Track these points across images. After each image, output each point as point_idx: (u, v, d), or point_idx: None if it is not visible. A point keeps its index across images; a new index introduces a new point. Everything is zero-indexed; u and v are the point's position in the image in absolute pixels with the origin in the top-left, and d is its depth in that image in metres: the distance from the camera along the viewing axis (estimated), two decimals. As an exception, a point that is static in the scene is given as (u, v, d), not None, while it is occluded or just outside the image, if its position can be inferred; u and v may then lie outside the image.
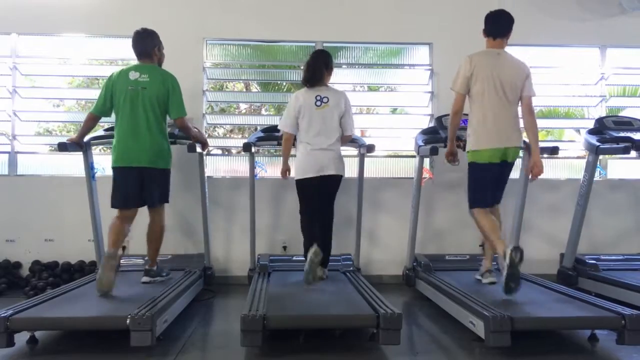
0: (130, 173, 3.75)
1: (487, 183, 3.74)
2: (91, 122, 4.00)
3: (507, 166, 3.76)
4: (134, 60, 3.98)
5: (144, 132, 3.73)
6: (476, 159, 3.73)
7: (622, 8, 5.18)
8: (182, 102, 3.89)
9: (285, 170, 4.15)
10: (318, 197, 3.99)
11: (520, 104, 3.76)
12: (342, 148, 4.18)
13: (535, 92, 3.76)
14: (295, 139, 4.07)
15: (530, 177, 3.85)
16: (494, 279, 3.88)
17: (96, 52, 5.21)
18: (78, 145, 4.08)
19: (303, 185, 3.99)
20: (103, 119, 4.01)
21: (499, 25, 3.78)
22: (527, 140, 3.94)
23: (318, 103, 3.94)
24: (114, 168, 3.81)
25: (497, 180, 3.78)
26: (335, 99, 3.96)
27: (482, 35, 3.84)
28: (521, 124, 3.79)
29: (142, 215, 3.94)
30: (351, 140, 4.41)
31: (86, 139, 4.19)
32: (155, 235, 3.97)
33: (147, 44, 3.89)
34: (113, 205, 3.81)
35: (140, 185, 3.76)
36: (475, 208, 3.75)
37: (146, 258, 4.08)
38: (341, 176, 4.03)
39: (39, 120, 5.84)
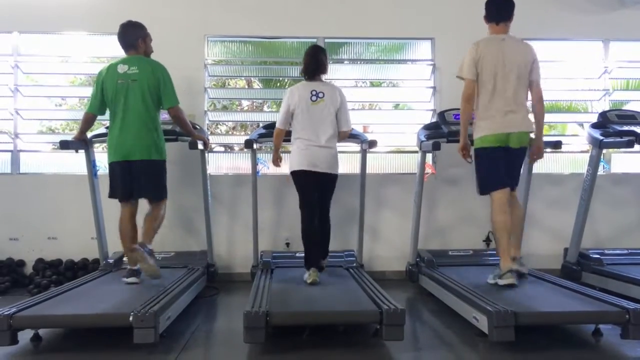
0: (124, 166, 3.75)
1: (496, 165, 3.68)
2: (89, 120, 4.02)
3: (515, 152, 3.69)
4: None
5: (137, 125, 3.73)
6: (483, 144, 3.71)
7: (623, 1, 5.15)
8: (174, 92, 3.87)
9: (277, 158, 4.11)
10: (314, 190, 3.97)
11: (529, 89, 3.73)
12: (344, 144, 4.17)
13: (540, 76, 3.76)
14: (290, 134, 4.05)
15: (529, 160, 3.86)
16: (513, 280, 3.58)
17: (98, 50, 5.19)
18: (82, 141, 4.09)
19: (299, 177, 3.96)
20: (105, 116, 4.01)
21: (500, 9, 3.76)
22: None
23: (313, 98, 3.91)
24: (109, 163, 3.83)
25: (506, 164, 3.71)
26: (330, 94, 3.94)
27: (484, 22, 3.81)
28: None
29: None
30: (353, 136, 4.40)
31: (88, 136, 4.20)
32: (155, 217, 3.84)
33: (129, 35, 3.87)
34: (109, 195, 3.84)
35: (136, 178, 3.77)
36: (493, 192, 3.67)
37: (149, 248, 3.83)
38: (335, 175, 3.99)
39: (42, 118, 5.84)
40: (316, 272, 3.83)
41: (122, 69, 3.76)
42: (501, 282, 3.60)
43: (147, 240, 3.83)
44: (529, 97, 3.79)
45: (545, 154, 5.04)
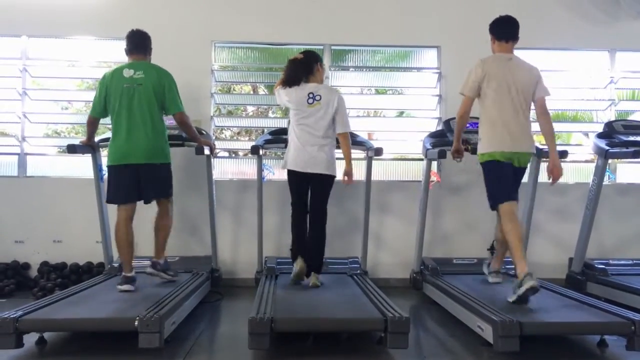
0: (126, 170, 3.75)
1: (504, 176, 3.66)
2: (93, 124, 4.04)
3: (517, 170, 3.72)
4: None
5: (141, 129, 3.73)
6: (492, 158, 3.67)
7: (630, 12, 5.15)
8: (179, 98, 3.89)
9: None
10: (307, 191, 3.98)
11: (534, 107, 3.73)
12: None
13: (549, 92, 3.74)
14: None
15: (550, 180, 3.76)
16: (500, 279, 3.96)
17: (104, 55, 5.22)
18: (89, 146, 4.12)
19: (291, 177, 3.99)
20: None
21: (510, 28, 3.79)
22: (538, 145, 3.96)
23: (310, 100, 3.89)
24: (109, 166, 3.82)
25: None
26: (327, 97, 3.91)
27: (491, 43, 3.84)
28: (535, 127, 3.80)
29: (150, 213, 3.97)
30: (359, 143, 4.41)
31: (95, 140, 4.22)
32: (161, 225, 3.95)
33: (145, 41, 3.93)
34: (108, 200, 3.87)
35: (136, 182, 3.76)
36: (501, 204, 3.61)
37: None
38: (330, 176, 3.94)
39: (49, 122, 5.86)
40: (302, 261, 3.89)
41: (128, 73, 3.78)
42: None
43: (160, 256, 4.00)
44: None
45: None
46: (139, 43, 3.90)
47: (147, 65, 3.87)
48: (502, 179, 3.67)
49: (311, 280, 3.88)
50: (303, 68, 3.98)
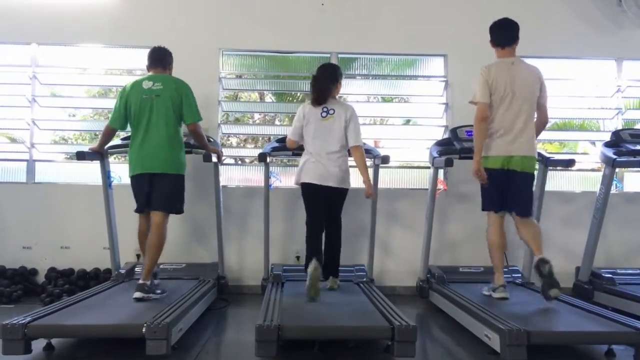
0: (142, 179, 3.80)
1: (493, 187, 3.76)
2: (109, 134, 4.09)
3: (519, 176, 3.72)
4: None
5: (158, 140, 3.78)
6: (485, 165, 3.75)
7: (637, 21, 5.15)
8: (197, 108, 3.94)
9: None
10: (322, 205, 3.99)
11: (537, 112, 3.78)
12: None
13: (547, 98, 3.82)
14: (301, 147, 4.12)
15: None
16: (506, 294, 3.77)
17: (113, 62, 5.26)
18: (98, 153, 4.16)
19: (307, 190, 4.00)
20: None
21: (505, 34, 3.81)
22: (544, 153, 3.98)
23: (323, 114, 3.97)
24: (130, 177, 3.88)
25: (509, 188, 3.75)
26: (340, 111, 3.97)
27: (490, 46, 3.85)
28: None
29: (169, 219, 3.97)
30: (366, 151, 4.41)
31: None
32: (153, 245, 3.76)
33: (166, 56, 4.01)
34: (136, 210, 3.91)
35: (153, 190, 3.80)
36: (488, 211, 3.86)
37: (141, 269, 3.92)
38: (345, 189, 4.00)
39: (58, 129, 5.91)
40: (317, 264, 3.74)
41: (147, 85, 3.84)
42: (495, 295, 3.80)
43: (147, 278, 3.71)
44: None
45: (557, 172, 5.10)
46: (158, 58, 3.96)
47: (166, 77, 3.92)
48: (491, 189, 3.78)
49: (329, 283, 3.95)
50: (328, 87, 4.02)
